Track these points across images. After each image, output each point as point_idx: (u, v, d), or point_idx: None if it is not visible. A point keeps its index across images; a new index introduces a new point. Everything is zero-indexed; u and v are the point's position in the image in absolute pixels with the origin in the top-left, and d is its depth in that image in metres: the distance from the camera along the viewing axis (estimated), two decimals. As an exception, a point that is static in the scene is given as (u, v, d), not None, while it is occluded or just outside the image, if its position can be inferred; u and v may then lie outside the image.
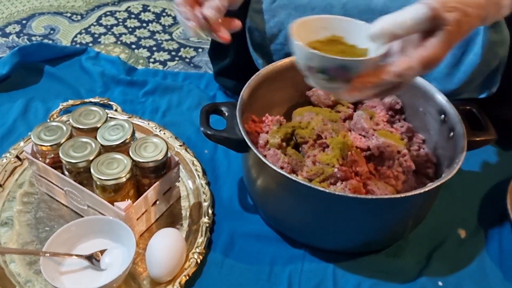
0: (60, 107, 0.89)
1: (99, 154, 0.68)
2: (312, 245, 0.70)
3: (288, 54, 0.82)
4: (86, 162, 0.67)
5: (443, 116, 0.72)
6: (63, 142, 0.69)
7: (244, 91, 0.71)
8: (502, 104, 0.78)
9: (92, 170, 0.65)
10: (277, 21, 0.81)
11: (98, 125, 0.72)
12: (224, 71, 0.94)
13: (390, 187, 0.68)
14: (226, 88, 0.97)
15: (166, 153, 0.69)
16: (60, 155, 0.67)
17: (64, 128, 0.71)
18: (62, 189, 0.69)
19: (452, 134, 0.69)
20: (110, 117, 0.86)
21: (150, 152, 0.68)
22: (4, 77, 0.94)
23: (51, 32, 1.15)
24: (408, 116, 0.80)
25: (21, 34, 1.14)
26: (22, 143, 0.81)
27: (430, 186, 0.60)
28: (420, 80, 0.76)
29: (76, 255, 0.63)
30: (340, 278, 0.67)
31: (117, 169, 0.65)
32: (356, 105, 0.83)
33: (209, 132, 0.67)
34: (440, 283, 0.67)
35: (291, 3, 0.81)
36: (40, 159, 0.71)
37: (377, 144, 0.72)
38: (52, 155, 0.70)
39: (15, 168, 0.77)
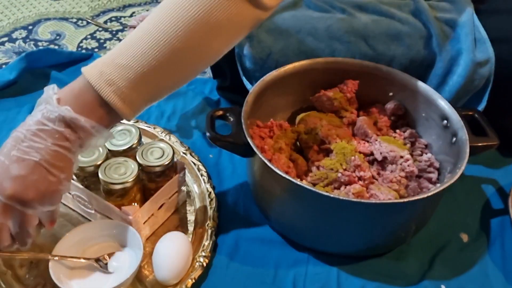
0: (67, 112, 0.90)
1: (106, 158, 0.69)
2: (316, 249, 0.71)
3: None
4: (94, 166, 0.68)
5: (445, 121, 0.73)
6: None
7: (249, 97, 0.72)
8: (498, 115, 0.79)
9: (100, 175, 0.66)
10: (263, 46, 0.82)
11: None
12: (225, 88, 0.96)
13: (393, 191, 0.69)
14: (228, 101, 0.98)
15: (173, 157, 0.70)
16: None
17: None
18: (70, 193, 0.70)
19: (454, 139, 0.70)
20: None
21: (157, 157, 0.69)
22: (11, 82, 0.95)
23: (57, 37, 1.17)
24: (411, 122, 0.81)
25: (27, 40, 1.15)
26: (29, 148, 0.82)
27: (433, 190, 0.61)
28: (422, 86, 0.77)
29: (84, 258, 0.64)
30: (344, 281, 0.68)
31: (124, 173, 0.66)
32: (359, 110, 0.84)
33: (214, 137, 0.68)
34: (443, 287, 0.67)
35: (277, 27, 0.82)
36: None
37: (380, 149, 0.73)
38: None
39: (23, 172, 0.78)
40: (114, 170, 0.67)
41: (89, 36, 1.17)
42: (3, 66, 1.03)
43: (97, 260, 0.64)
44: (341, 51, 0.81)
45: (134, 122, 0.88)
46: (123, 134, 0.72)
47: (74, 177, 0.70)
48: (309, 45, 0.81)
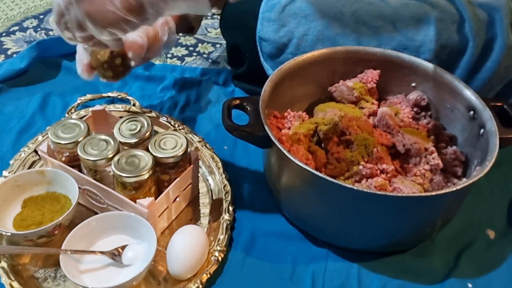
0: (78, 101, 0.88)
1: (118, 151, 0.67)
2: (336, 244, 0.68)
3: None
4: (106, 159, 0.65)
5: (472, 112, 0.70)
6: (81, 140, 0.67)
7: (267, 86, 0.69)
8: None
9: (113, 168, 0.64)
10: (286, 31, 0.80)
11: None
12: (241, 77, 0.93)
13: (417, 185, 0.66)
14: (244, 91, 0.95)
15: (186, 148, 0.67)
16: (79, 152, 0.65)
17: (82, 125, 0.69)
18: (80, 188, 0.67)
19: (482, 131, 0.67)
20: (128, 112, 0.85)
21: (170, 148, 0.67)
22: (23, 71, 0.94)
23: (69, 26, 1.14)
24: (434, 113, 0.77)
25: (38, 29, 1.13)
26: (40, 137, 0.80)
27: (462, 184, 0.58)
28: (447, 76, 0.73)
29: (98, 252, 0.62)
30: (365, 278, 0.65)
31: (138, 165, 0.64)
32: (380, 101, 0.81)
33: (231, 127, 0.65)
34: (469, 285, 0.65)
35: (301, 11, 0.80)
36: (57, 157, 0.70)
37: (403, 141, 0.70)
38: (68, 153, 0.69)
39: (33, 162, 0.76)
40: (128, 162, 0.64)
41: (100, 26, 1.15)
42: (14, 55, 1.01)
43: (111, 253, 0.62)
44: (367, 36, 0.78)
45: (146, 113, 0.86)
46: (134, 125, 0.69)
47: (84, 170, 0.68)
48: (334, 29, 0.78)
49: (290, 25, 0.80)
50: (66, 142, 0.67)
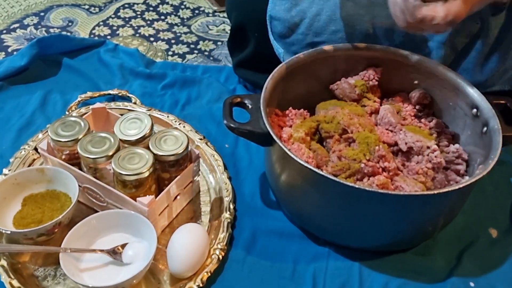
0: (79, 99, 0.88)
1: (118, 149, 0.66)
2: (337, 243, 0.68)
3: (310, 44, 0.79)
4: (106, 157, 0.65)
5: (475, 110, 0.69)
6: (81, 138, 0.67)
7: (268, 83, 0.69)
8: None
9: (113, 166, 0.63)
10: (299, 10, 0.79)
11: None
12: (244, 63, 0.92)
13: (419, 183, 0.65)
14: (246, 81, 0.94)
15: (187, 146, 0.67)
16: (79, 150, 0.65)
17: (82, 123, 0.69)
18: (80, 186, 0.67)
19: (485, 129, 0.66)
20: (129, 110, 0.85)
21: (171, 145, 0.66)
22: (23, 68, 0.93)
23: (69, 24, 1.14)
24: (436, 111, 0.77)
25: (39, 26, 1.13)
26: (40, 135, 0.80)
27: (465, 182, 0.57)
28: (450, 73, 0.73)
29: (98, 250, 0.61)
30: (366, 277, 0.65)
31: (138, 163, 0.64)
32: (382, 99, 0.80)
33: (232, 125, 0.64)
34: (471, 284, 0.64)
35: None
36: (57, 155, 0.69)
37: (405, 139, 0.70)
38: (68, 151, 0.69)
39: (33, 160, 0.76)
40: (128, 160, 0.64)
41: (101, 23, 1.15)
42: (14, 52, 1.01)
43: (111, 252, 0.62)
44: (382, 18, 0.77)
45: (147, 110, 0.85)
46: (134, 123, 0.69)
47: (84, 168, 0.67)
48: (347, 10, 0.77)
49: (303, 4, 0.78)
50: (66, 140, 0.67)
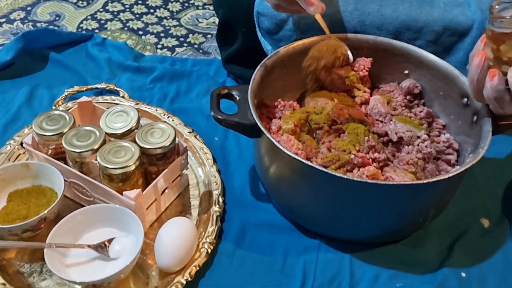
0: (66, 93, 0.86)
1: (104, 142, 0.65)
2: (328, 235, 0.67)
3: (297, 41, 0.78)
4: (91, 151, 0.64)
5: (465, 99, 0.68)
6: (66, 132, 0.66)
7: (256, 74, 0.68)
8: None
9: (98, 159, 0.62)
10: None
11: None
12: (233, 58, 0.91)
13: (409, 174, 0.64)
14: (236, 76, 0.93)
15: (174, 139, 0.66)
16: (64, 144, 0.64)
17: (67, 117, 0.68)
18: (66, 181, 0.66)
19: (475, 118, 0.65)
20: (117, 104, 0.84)
21: (157, 138, 0.65)
22: (8, 63, 0.92)
23: (57, 18, 1.13)
24: (427, 101, 0.76)
25: (26, 21, 1.11)
26: (26, 130, 0.78)
27: (455, 171, 0.57)
28: (441, 62, 0.72)
29: (83, 245, 0.60)
30: (357, 269, 0.64)
31: (124, 157, 0.63)
32: (372, 89, 0.79)
33: (219, 117, 0.63)
34: (463, 274, 0.64)
35: None
36: (42, 149, 0.68)
37: (395, 129, 0.69)
38: (54, 146, 0.68)
39: (18, 155, 0.75)
40: (114, 154, 0.63)
41: (89, 17, 1.13)
42: (0, 47, 0.99)
43: (97, 247, 0.61)
44: (371, 16, 0.76)
45: (135, 104, 0.84)
46: (120, 116, 0.68)
47: (70, 163, 0.66)
48: (335, 7, 0.76)
49: None
50: (51, 134, 0.66)
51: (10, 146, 0.76)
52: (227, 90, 0.68)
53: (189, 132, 0.80)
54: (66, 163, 0.67)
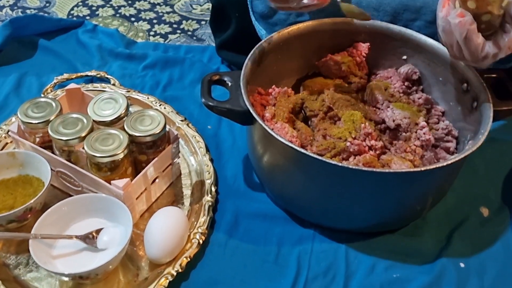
0: (55, 81, 0.84)
1: (91, 130, 0.63)
2: (323, 225, 0.65)
3: (293, 24, 0.76)
4: (78, 139, 0.62)
5: (465, 85, 0.66)
6: (52, 119, 0.64)
7: (249, 59, 0.65)
8: None
9: (85, 147, 0.60)
10: None
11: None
12: (227, 44, 0.89)
13: (407, 162, 0.62)
14: (230, 63, 0.91)
15: (164, 126, 0.64)
16: (50, 132, 0.62)
17: (54, 104, 0.66)
18: (53, 170, 0.64)
19: (475, 104, 0.63)
20: (104, 91, 0.81)
21: (147, 126, 0.63)
22: (-4, 51, 0.89)
23: (47, 4, 1.10)
24: (426, 87, 0.74)
25: (15, 7, 1.08)
26: (13, 119, 0.76)
27: (453, 159, 0.55)
28: (440, 47, 0.70)
29: (71, 236, 0.59)
30: (353, 259, 0.63)
31: (113, 145, 0.61)
32: (370, 76, 0.77)
33: (210, 103, 0.61)
34: (462, 264, 0.62)
35: None
36: (29, 138, 0.66)
37: (392, 116, 0.67)
38: (41, 134, 0.65)
39: (5, 144, 0.73)
40: (101, 141, 0.61)
41: (80, 3, 1.11)
42: (-12, 34, 0.97)
43: (85, 238, 0.59)
44: None
45: (126, 92, 0.82)
46: (109, 103, 0.66)
47: (57, 152, 0.64)
48: None
49: None
50: (37, 121, 0.64)
51: (-3, 135, 0.73)
52: (218, 76, 0.66)
53: (182, 120, 0.78)
54: (53, 152, 0.65)
